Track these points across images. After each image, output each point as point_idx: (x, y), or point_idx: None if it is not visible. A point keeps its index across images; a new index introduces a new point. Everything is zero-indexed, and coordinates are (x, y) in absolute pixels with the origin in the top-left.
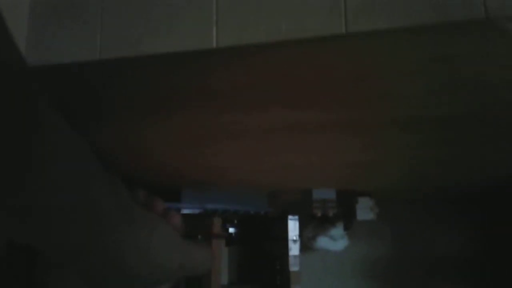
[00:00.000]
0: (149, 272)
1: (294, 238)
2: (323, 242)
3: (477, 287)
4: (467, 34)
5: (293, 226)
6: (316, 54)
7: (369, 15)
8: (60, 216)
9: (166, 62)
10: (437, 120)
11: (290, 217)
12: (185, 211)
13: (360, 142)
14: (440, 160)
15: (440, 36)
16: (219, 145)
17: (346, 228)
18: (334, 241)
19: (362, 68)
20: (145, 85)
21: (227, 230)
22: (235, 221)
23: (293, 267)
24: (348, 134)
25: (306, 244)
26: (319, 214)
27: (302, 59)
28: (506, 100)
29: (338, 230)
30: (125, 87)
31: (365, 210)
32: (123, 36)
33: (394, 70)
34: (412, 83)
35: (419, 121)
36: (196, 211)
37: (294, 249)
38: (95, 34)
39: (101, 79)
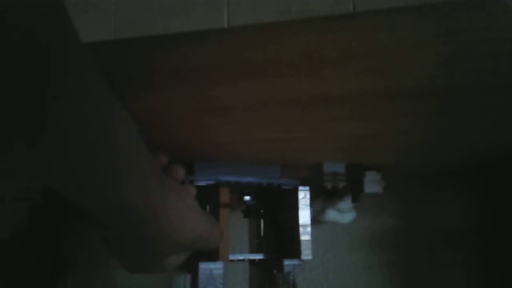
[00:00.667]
0: (178, 236)
1: (305, 207)
2: (331, 214)
3: (483, 256)
4: (470, 10)
5: (303, 196)
6: (326, 31)
7: None
8: (91, 169)
9: (179, 41)
10: (441, 89)
11: (300, 187)
12: (198, 183)
13: (366, 113)
14: (442, 130)
15: (446, 12)
16: (226, 118)
17: (354, 201)
18: (342, 213)
19: (371, 42)
20: (158, 62)
21: (245, 202)
22: (252, 194)
23: (304, 236)
24: (355, 106)
25: (315, 217)
26: (329, 187)
27: (312, 37)
28: (506, 70)
29: (346, 203)
30: (138, 64)
31: (372, 184)
32: (136, 19)
33: (402, 43)
34: (419, 55)
35: (424, 91)
36: (210, 182)
37: (304, 219)
38: (110, 19)
39: (116, 57)
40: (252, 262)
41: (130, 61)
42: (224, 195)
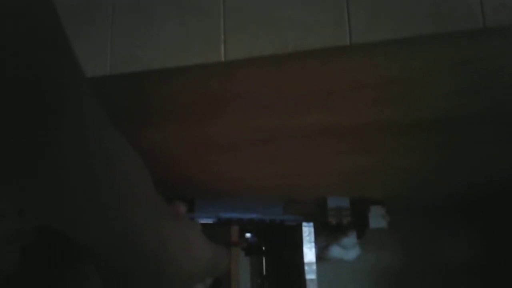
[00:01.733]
0: (187, 266)
1: (309, 245)
2: (335, 251)
3: None
4: (473, 41)
5: (307, 233)
6: (323, 65)
7: (371, 28)
8: (93, 202)
9: (178, 76)
10: (452, 120)
11: (304, 224)
12: (200, 221)
13: (372, 146)
14: (447, 163)
15: (443, 43)
16: (230, 153)
17: (359, 237)
18: (346, 250)
19: (377, 73)
20: (160, 97)
21: (246, 240)
22: (253, 231)
23: (309, 275)
24: (362, 139)
25: (319, 254)
26: (334, 222)
27: (312, 69)
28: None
29: (350, 239)
30: (137, 98)
31: (377, 218)
32: (132, 57)
33: (420, 73)
34: (431, 85)
35: (434, 122)
36: (210, 220)
37: (309, 256)
38: (106, 54)
39: (113, 92)
40: None
41: (126, 96)
42: (235, 234)
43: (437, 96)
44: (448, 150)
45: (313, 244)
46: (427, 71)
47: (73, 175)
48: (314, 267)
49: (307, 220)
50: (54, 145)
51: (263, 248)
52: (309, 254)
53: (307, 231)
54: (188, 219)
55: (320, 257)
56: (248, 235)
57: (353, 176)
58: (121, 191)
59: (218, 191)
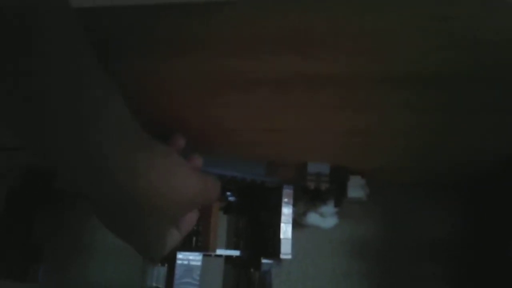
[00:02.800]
0: (169, 195)
1: (288, 207)
2: (313, 218)
3: (465, 270)
4: None
5: (287, 195)
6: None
7: None
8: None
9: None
10: (433, 77)
11: (285, 186)
12: None
13: (358, 102)
14: (432, 130)
15: None
16: (225, 97)
17: (336, 205)
18: (324, 218)
19: (366, 23)
20: (156, 32)
21: (226, 197)
22: (233, 190)
23: (284, 234)
24: (346, 92)
25: (296, 220)
26: (312, 187)
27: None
28: (502, 61)
29: (328, 208)
30: (139, 32)
31: (356, 188)
32: None
33: (393, 25)
34: (413, 40)
35: (416, 78)
36: None
37: (286, 217)
38: None
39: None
40: (228, 259)
41: (129, 29)
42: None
43: (415, 50)
44: (438, 117)
45: (291, 206)
46: (404, 24)
47: (54, 99)
48: (290, 228)
49: (287, 183)
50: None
51: (241, 207)
52: (286, 215)
53: (287, 193)
54: (177, 156)
55: (297, 222)
56: (228, 193)
57: (336, 139)
58: (92, 111)
59: (203, 142)
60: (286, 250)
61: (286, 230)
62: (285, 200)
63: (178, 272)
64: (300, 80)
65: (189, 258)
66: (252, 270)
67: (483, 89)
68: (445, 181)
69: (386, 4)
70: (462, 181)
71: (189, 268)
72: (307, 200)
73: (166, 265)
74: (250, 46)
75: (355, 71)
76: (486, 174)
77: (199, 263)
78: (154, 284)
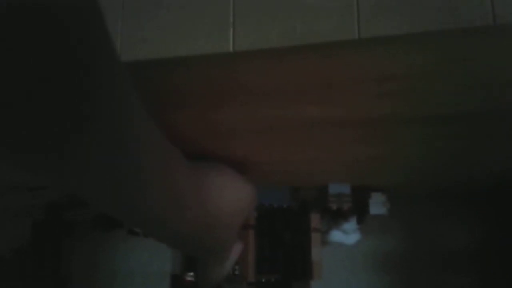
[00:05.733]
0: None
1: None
2: (336, 235)
3: (488, 280)
4: (480, 38)
5: (316, 218)
6: (332, 57)
7: (380, 21)
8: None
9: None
10: (453, 116)
11: (312, 211)
12: None
13: (377, 137)
14: (450, 154)
15: (456, 39)
16: (246, 140)
17: (359, 222)
18: (347, 234)
19: (379, 69)
20: (162, 84)
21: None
22: (257, 214)
23: (316, 257)
24: (366, 130)
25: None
26: (334, 208)
27: (320, 62)
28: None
29: (350, 225)
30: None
31: (377, 205)
32: (141, 42)
33: (411, 71)
34: (429, 83)
35: (436, 118)
36: None
37: (316, 240)
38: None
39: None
40: (258, 284)
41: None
42: (316, 220)
43: (442, 92)
44: (455, 143)
45: (319, 230)
46: (431, 67)
47: (103, 152)
48: (319, 251)
49: (309, 206)
50: (91, 120)
51: (262, 228)
52: (316, 238)
53: (316, 216)
54: (226, 168)
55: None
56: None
57: (357, 165)
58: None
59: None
60: (318, 273)
61: (316, 253)
62: (314, 223)
63: None
64: (322, 124)
65: None
66: None
67: (497, 121)
68: (464, 192)
69: (417, 48)
70: (482, 190)
71: None
72: (329, 218)
73: None
74: (275, 97)
75: (376, 115)
76: (504, 183)
77: None
78: None
